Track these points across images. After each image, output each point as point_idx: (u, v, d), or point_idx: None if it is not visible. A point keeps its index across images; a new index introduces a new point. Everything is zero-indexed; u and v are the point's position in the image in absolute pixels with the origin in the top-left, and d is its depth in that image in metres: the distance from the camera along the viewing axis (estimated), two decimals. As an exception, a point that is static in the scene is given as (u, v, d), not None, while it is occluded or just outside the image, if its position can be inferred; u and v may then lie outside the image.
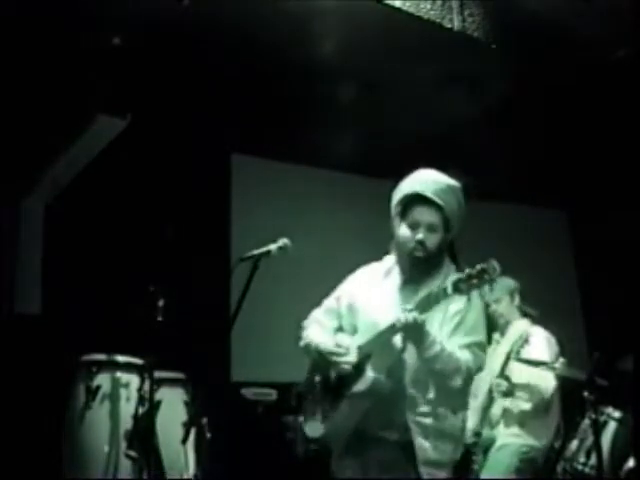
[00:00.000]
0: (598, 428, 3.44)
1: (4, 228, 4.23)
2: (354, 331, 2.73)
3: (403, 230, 2.63)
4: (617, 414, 3.68)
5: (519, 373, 3.90)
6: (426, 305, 2.44)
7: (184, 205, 4.62)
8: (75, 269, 4.16)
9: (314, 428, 2.68)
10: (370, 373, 2.53)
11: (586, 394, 3.46)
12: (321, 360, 2.68)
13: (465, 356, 2.54)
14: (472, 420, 4.08)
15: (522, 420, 3.91)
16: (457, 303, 2.54)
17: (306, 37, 3.97)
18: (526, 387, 3.88)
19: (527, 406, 3.86)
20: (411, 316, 2.40)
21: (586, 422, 3.66)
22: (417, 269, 2.63)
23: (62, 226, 4.30)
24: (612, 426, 3.67)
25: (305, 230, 4.48)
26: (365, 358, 2.55)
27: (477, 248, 5.60)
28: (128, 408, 3.13)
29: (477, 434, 3.95)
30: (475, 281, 2.36)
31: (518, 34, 4.08)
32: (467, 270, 2.39)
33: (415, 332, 2.44)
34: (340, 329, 2.79)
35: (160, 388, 3.19)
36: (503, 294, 4.18)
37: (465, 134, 4.94)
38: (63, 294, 4.13)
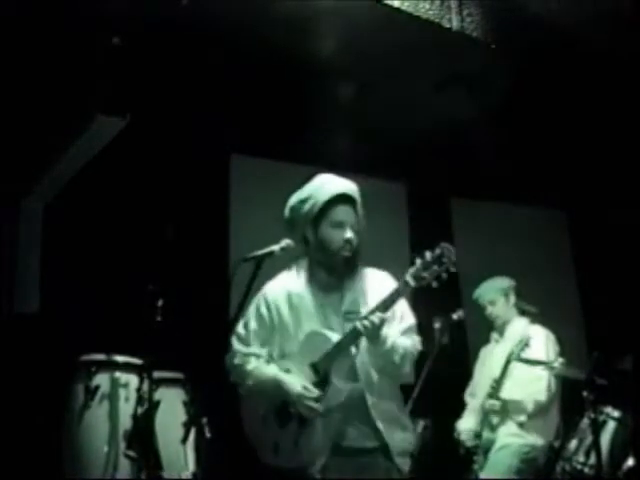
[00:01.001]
0: (597, 427, 3.45)
1: (3, 228, 4.23)
2: (281, 354, 2.71)
3: (327, 231, 2.64)
4: (616, 414, 3.69)
5: (510, 389, 3.89)
6: (389, 303, 2.48)
7: (184, 205, 4.62)
8: (74, 269, 4.15)
9: (286, 459, 2.61)
10: (341, 384, 2.54)
11: (585, 394, 3.46)
12: (277, 396, 2.62)
13: (406, 342, 2.62)
14: (471, 420, 4.08)
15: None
16: (383, 295, 2.56)
17: (306, 37, 3.97)
18: (519, 403, 3.87)
19: (523, 418, 3.86)
20: (377, 318, 2.43)
21: (585, 421, 3.66)
22: (345, 269, 2.65)
23: (61, 226, 4.30)
24: (611, 425, 3.68)
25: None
26: (326, 372, 2.56)
27: (477, 248, 5.65)
28: (127, 408, 3.12)
29: (477, 436, 3.95)
30: (435, 267, 2.39)
31: (517, 34, 4.08)
32: (419, 260, 2.42)
33: (376, 332, 2.47)
34: (270, 356, 2.73)
35: (159, 388, 3.18)
36: (497, 295, 4.17)
37: (465, 134, 4.94)
38: (62, 294, 4.12)
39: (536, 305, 4.26)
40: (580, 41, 4.15)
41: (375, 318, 2.44)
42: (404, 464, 2.60)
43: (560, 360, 3.71)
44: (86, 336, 3.70)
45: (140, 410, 3.06)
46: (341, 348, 2.54)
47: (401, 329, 2.64)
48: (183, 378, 3.42)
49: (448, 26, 3.86)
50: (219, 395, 2.94)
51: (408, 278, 2.45)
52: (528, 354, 3.85)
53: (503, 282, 4.23)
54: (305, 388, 2.57)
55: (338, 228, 2.63)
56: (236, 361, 2.73)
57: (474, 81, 4.41)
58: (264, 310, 2.74)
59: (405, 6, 3.74)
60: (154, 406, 3.08)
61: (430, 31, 3.90)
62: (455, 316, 4.20)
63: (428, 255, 2.42)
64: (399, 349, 2.56)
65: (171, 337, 3.10)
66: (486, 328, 4.41)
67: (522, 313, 4.21)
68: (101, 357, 3.25)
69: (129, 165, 4.43)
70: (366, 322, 2.45)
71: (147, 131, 4.33)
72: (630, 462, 3.53)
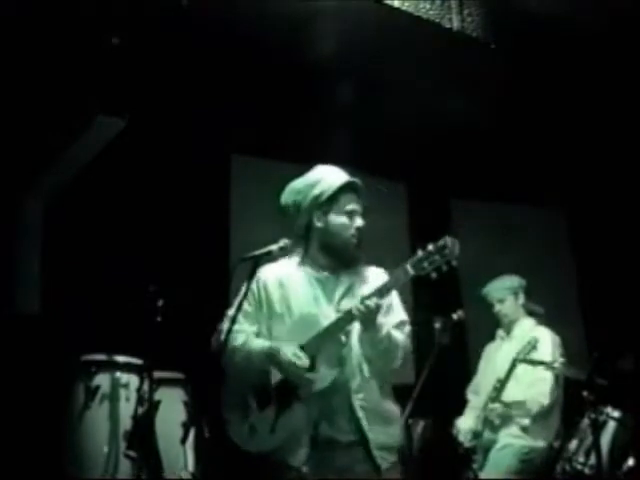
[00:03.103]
0: (597, 428, 3.44)
1: (3, 228, 4.23)
2: (269, 333, 2.68)
3: (340, 219, 2.65)
4: (616, 414, 3.69)
5: (513, 391, 3.88)
6: (385, 290, 2.46)
7: (184, 205, 4.62)
8: (74, 269, 4.16)
9: (259, 442, 2.58)
10: (327, 371, 2.51)
11: (585, 394, 3.46)
12: (265, 366, 2.58)
13: (400, 335, 2.59)
14: (471, 419, 4.08)
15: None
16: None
17: (306, 37, 3.97)
18: (522, 404, 3.87)
19: (527, 421, 3.86)
20: (373, 303, 2.40)
21: (585, 422, 3.66)
22: (353, 256, 2.66)
23: (61, 226, 4.30)
24: (611, 426, 3.67)
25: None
26: (313, 356, 2.52)
27: (477, 248, 5.64)
28: (127, 408, 3.14)
29: (476, 436, 3.95)
30: (437, 257, 2.36)
31: (518, 34, 4.08)
32: (421, 250, 2.39)
33: (371, 317, 2.44)
34: (257, 334, 2.70)
35: (159, 388, 3.19)
36: (507, 293, 4.17)
37: (465, 134, 4.94)
38: (62, 294, 4.13)
39: (535, 299, 4.26)
40: (580, 41, 4.15)
41: (371, 302, 2.41)
42: (383, 459, 2.53)
43: (560, 360, 3.71)
44: (86, 336, 3.71)
45: (140, 410, 3.07)
46: (331, 332, 2.52)
47: (394, 322, 2.61)
48: (183, 378, 3.43)
49: (448, 26, 3.86)
50: (219, 395, 2.95)
51: (408, 266, 2.41)
52: (534, 357, 3.84)
53: (513, 281, 4.22)
54: (296, 355, 2.52)
55: (349, 216, 2.65)
56: (223, 338, 2.61)
57: (475, 81, 4.41)
58: (254, 288, 2.71)
59: (405, 6, 3.73)
60: (154, 406, 3.09)
61: (430, 31, 3.90)
62: (455, 316, 4.19)
63: (431, 246, 2.38)
64: (391, 340, 2.54)
65: (171, 337, 3.11)
66: (486, 328, 4.41)
67: (530, 314, 4.20)
68: (101, 357, 3.27)
69: (129, 165, 4.43)
70: (361, 306, 2.42)
71: (147, 131, 4.33)
72: (630, 462, 3.53)
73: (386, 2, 3.69)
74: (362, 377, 2.58)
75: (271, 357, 2.57)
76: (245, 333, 2.70)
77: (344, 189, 2.67)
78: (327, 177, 2.70)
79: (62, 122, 3.88)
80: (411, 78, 4.43)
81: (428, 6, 3.79)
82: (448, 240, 2.36)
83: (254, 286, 2.71)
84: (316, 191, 2.67)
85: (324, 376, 2.52)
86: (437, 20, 3.81)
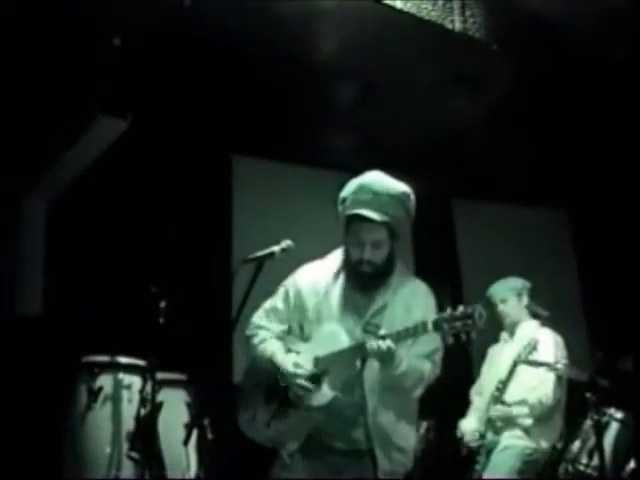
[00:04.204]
0: (600, 429, 3.44)
1: (4, 228, 4.22)
2: (302, 333, 2.68)
3: (349, 247, 2.60)
4: (619, 415, 3.69)
5: (516, 392, 3.88)
6: (402, 337, 2.40)
7: (185, 206, 4.62)
8: (76, 270, 4.15)
9: (255, 430, 2.63)
10: (328, 390, 2.50)
11: (588, 395, 3.46)
12: (274, 371, 2.62)
13: (426, 366, 2.54)
14: (474, 420, 4.08)
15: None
16: (418, 317, 2.48)
17: (306, 37, 3.97)
18: (524, 404, 3.86)
19: (529, 422, 3.85)
20: (385, 345, 2.36)
21: (588, 423, 3.66)
22: (363, 283, 2.60)
23: (63, 227, 4.29)
24: (614, 427, 3.67)
25: (306, 231, 4.48)
26: (323, 372, 2.52)
27: (479, 249, 5.64)
28: (130, 409, 3.14)
29: (481, 436, 3.94)
30: (458, 324, 2.27)
31: (519, 34, 4.08)
32: (450, 310, 2.31)
33: (386, 358, 2.41)
34: (288, 331, 2.71)
35: (162, 389, 3.19)
36: (510, 294, 4.16)
37: (465, 134, 4.94)
38: (64, 295, 4.13)
39: (539, 301, 4.25)
40: (580, 41, 4.15)
41: (384, 345, 2.35)
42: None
43: (563, 361, 3.70)
44: (89, 337, 3.71)
45: (143, 411, 3.07)
46: (346, 356, 2.49)
47: (421, 352, 2.54)
48: (186, 379, 3.43)
49: (450, 27, 3.86)
50: (221, 396, 2.95)
51: (429, 322, 2.35)
52: (536, 358, 3.83)
53: (517, 282, 4.22)
54: (296, 365, 2.54)
55: (357, 245, 2.57)
56: (247, 332, 2.74)
57: (476, 82, 4.41)
58: (290, 290, 2.73)
59: (408, 7, 3.73)
60: (157, 407, 3.08)
61: (432, 32, 3.89)
62: (457, 317, 4.17)
63: (460, 309, 2.29)
64: (413, 373, 2.49)
65: (174, 339, 3.11)
66: (489, 330, 4.39)
67: (533, 316, 4.19)
68: (104, 358, 3.26)
69: (131, 166, 4.43)
70: (374, 345, 2.37)
71: (149, 132, 4.33)
72: (633, 464, 3.53)
73: (388, 3, 3.68)
74: (380, 403, 2.53)
75: (273, 363, 2.60)
76: (267, 331, 2.72)
77: (357, 217, 2.55)
78: (349, 197, 2.59)
79: (64, 122, 3.88)
80: (412, 78, 4.42)
81: (430, 7, 3.79)
82: (477, 310, 2.27)
83: (290, 287, 2.73)
84: (340, 208, 2.63)
85: (324, 394, 2.51)
86: (439, 21, 3.81)
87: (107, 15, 3.55)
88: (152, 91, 4.10)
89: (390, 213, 2.53)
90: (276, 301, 2.76)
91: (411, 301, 2.61)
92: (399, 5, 3.69)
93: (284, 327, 2.73)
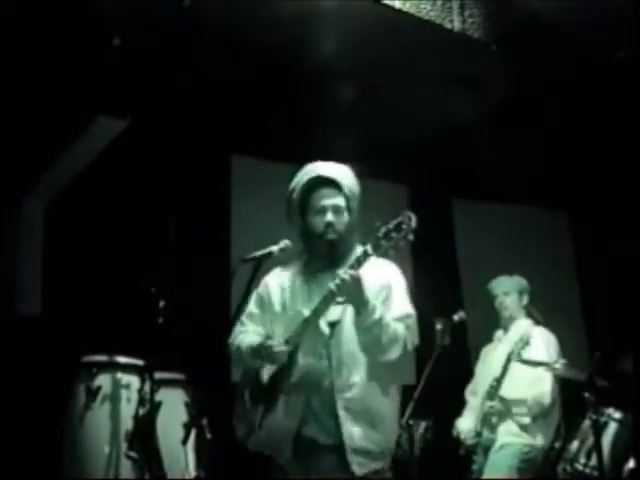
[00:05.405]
0: (599, 429, 3.44)
1: (4, 228, 4.22)
2: (273, 336, 2.68)
3: (310, 216, 2.65)
4: (618, 415, 3.68)
5: (512, 389, 3.89)
6: (355, 265, 2.42)
7: (184, 206, 4.62)
8: (76, 270, 4.16)
9: (253, 439, 2.62)
10: (302, 360, 2.51)
11: (586, 395, 3.46)
12: (252, 361, 2.63)
13: (400, 326, 2.53)
14: (471, 419, 4.09)
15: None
16: (381, 279, 2.58)
17: (306, 37, 3.97)
18: (522, 402, 3.87)
19: (527, 420, 3.86)
20: (347, 274, 2.38)
21: (587, 423, 3.66)
22: (330, 253, 2.63)
23: (62, 227, 4.30)
24: (613, 427, 3.67)
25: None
26: (295, 349, 2.52)
27: (479, 249, 5.64)
28: (129, 409, 3.13)
29: (478, 434, 3.95)
30: (394, 234, 2.33)
31: (519, 34, 4.08)
32: (383, 229, 2.36)
33: (356, 291, 2.41)
34: (265, 334, 2.72)
35: (160, 389, 3.18)
36: (513, 290, 4.20)
37: (465, 134, 4.94)
38: (63, 295, 4.13)
39: (537, 305, 4.27)
40: (581, 41, 4.15)
41: (345, 275, 2.38)
42: (360, 465, 2.46)
43: (561, 361, 3.70)
44: (87, 337, 3.71)
45: (141, 411, 3.06)
46: (313, 319, 2.49)
47: (395, 315, 2.55)
48: (184, 379, 3.43)
49: (450, 27, 3.86)
50: (220, 396, 2.95)
51: (368, 247, 2.40)
52: (528, 353, 3.85)
53: (522, 281, 4.27)
54: (267, 337, 2.61)
55: (320, 213, 2.63)
56: (229, 340, 2.75)
57: (476, 82, 4.41)
58: (261, 292, 2.78)
59: (407, 7, 3.73)
60: (155, 407, 3.08)
61: (431, 32, 3.89)
62: (456, 317, 4.19)
63: (391, 222, 2.36)
64: (388, 328, 2.48)
65: (172, 338, 3.11)
66: (487, 328, 4.41)
67: (529, 316, 4.22)
68: (103, 358, 3.26)
69: (130, 166, 4.43)
70: (337, 280, 2.39)
71: (148, 132, 4.33)
72: (631, 463, 3.52)
73: (387, 3, 3.69)
74: (350, 375, 2.54)
75: (257, 351, 2.60)
76: (244, 334, 2.74)
77: (314, 187, 2.65)
78: (299, 180, 2.69)
79: (63, 123, 3.88)
80: (412, 78, 4.43)
81: (429, 7, 3.79)
82: (405, 215, 2.33)
83: (261, 290, 2.77)
84: (293, 196, 2.69)
85: (299, 367, 2.51)
86: (438, 21, 3.81)
87: (107, 15, 3.55)
88: (152, 91, 4.11)
89: (344, 183, 2.65)
90: (251, 307, 2.80)
91: (372, 270, 2.57)
92: (398, 5, 3.70)
93: (260, 329, 2.76)
